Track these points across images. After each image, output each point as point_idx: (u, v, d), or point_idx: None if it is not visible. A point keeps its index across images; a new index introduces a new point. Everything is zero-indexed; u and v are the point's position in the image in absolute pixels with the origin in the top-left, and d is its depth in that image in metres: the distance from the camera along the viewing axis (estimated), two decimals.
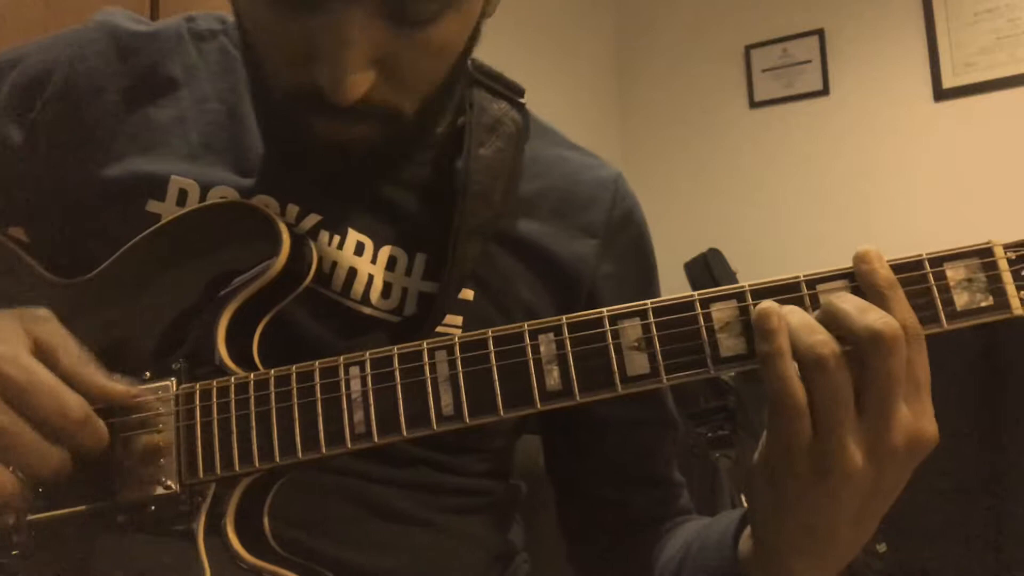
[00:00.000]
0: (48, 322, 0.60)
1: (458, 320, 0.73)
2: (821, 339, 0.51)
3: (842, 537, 0.56)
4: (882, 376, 0.51)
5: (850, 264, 0.55)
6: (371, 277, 0.72)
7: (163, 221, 0.68)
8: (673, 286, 0.59)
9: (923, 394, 0.53)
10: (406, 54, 0.62)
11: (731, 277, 2.96)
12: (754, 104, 3.43)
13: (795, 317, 0.53)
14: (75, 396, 0.57)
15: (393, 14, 0.59)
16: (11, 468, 0.55)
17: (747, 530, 0.63)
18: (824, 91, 3.29)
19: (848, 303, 0.53)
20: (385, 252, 0.73)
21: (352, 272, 0.71)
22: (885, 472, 0.54)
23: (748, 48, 3.43)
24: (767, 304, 0.54)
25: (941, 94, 3.07)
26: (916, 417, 0.53)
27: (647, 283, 0.85)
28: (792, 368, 0.53)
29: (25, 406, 0.55)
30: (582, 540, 0.88)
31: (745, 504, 0.62)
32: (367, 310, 0.71)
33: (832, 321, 0.53)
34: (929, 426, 0.53)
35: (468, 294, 0.74)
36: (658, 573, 0.77)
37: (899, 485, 0.55)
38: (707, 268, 2.84)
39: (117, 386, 0.60)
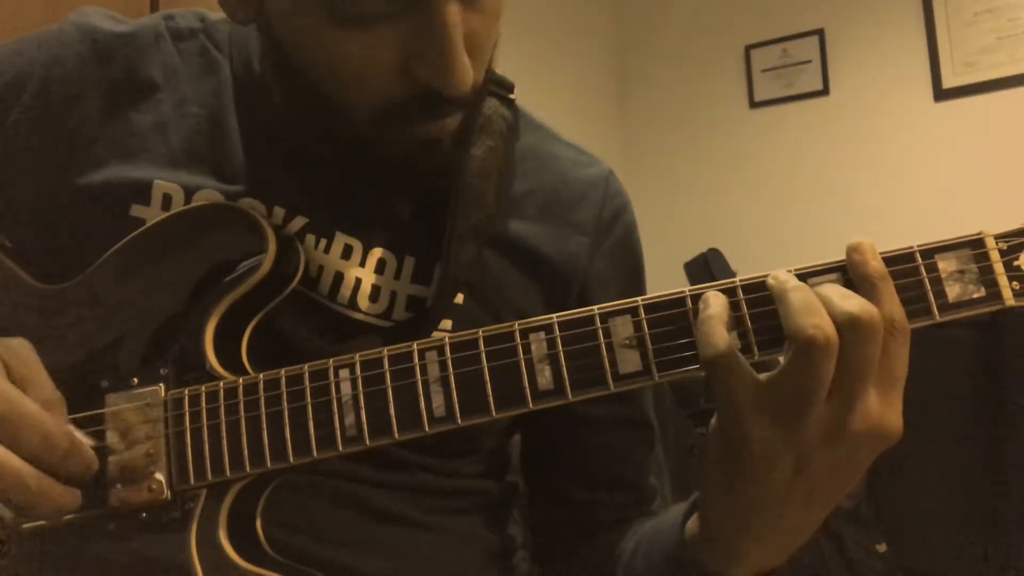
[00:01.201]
0: (21, 353, 0.58)
1: (448, 324, 0.72)
2: (816, 322, 0.51)
3: (790, 518, 0.56)
4: (855, 361, 0.51)
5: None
6: (359, 281, 0.71)
7: (147, 225, 0.68)
8: (674, 287, 0.58)
9: (897, 387, 0.53)
10: (479, 28, 0.63)
11: (731, 277, 2.95)
12: (754, 104, 3.43)
13: (797, 296, 0.52)
14: (58, 426, 0.55)
15: None
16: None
17: (696, 513, 0.63)
18: (824, 91, 3.29)
19: (830, 290, 0.53)
20: (374, 255, 0.72)
21: (339, 276, 0.70)
22: (841, 458, 0.53)
23: (748, 48, 3.43)
24: (711, 292, 0.55)
25: (941, 94, 3.07)
26: (884, 409, 0.53)
27: (636, 281, 0.84)
28: (724, 335, 0.53)
29: (9, 438, 0.53)
30: (547, 537, 0.87)
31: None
32: (355, 315, 0.71)
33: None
34: (895, 420, 0.53)
35: (458, 297, 0.73)
36: (615, 565, 0.76)
37: (855, 474, 0.55)
38: (707, 268, 2.83)
39: (81, 441, 0.58)
